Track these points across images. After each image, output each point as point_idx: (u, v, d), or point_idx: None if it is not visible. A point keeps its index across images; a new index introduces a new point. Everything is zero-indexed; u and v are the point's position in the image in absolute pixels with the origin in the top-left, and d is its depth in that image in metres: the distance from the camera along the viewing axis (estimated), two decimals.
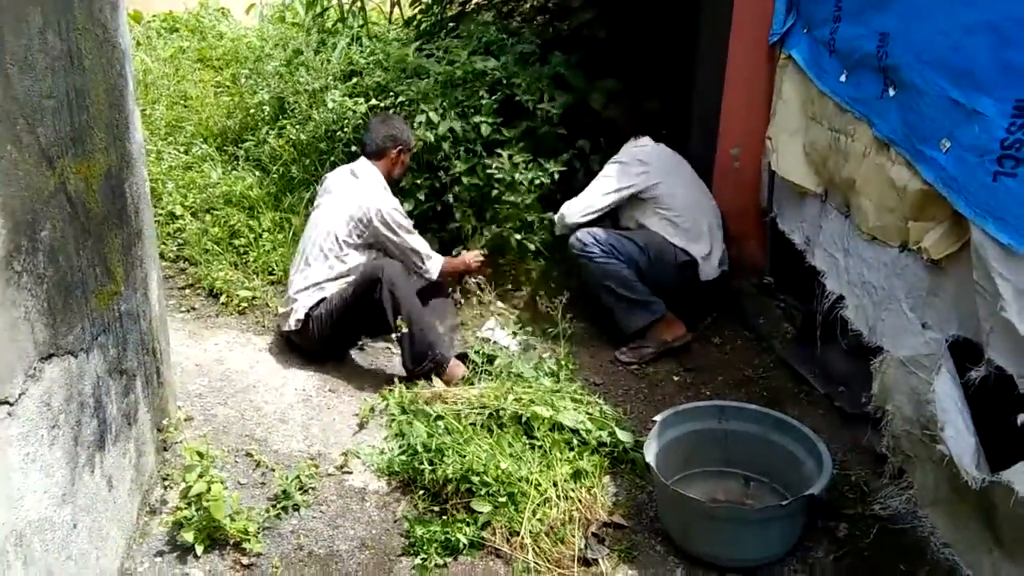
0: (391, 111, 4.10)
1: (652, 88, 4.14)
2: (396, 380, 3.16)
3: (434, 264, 3.55)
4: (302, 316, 3.29)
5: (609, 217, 3.76)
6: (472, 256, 3.74)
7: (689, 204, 3.66)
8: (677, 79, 4.18)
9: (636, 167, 3.62)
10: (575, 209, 3.63)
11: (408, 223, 3.51)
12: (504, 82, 4.13)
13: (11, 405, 1.60)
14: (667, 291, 3.61)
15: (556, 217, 3.73)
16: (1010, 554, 2.02)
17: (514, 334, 3.65)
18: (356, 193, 3.43)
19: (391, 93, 4.35)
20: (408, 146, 3.66)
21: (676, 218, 3.61)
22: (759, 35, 3.51)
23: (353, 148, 4.21)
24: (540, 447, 2.67)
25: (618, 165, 3.66)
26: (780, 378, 3.27)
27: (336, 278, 3.35)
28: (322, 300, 3.30)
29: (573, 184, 4.17)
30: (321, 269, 3.33)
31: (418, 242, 3.52)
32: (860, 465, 2.66)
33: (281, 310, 3.44)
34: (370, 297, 3.19)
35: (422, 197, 4.02)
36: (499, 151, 3.93)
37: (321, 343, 3.34)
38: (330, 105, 4.37)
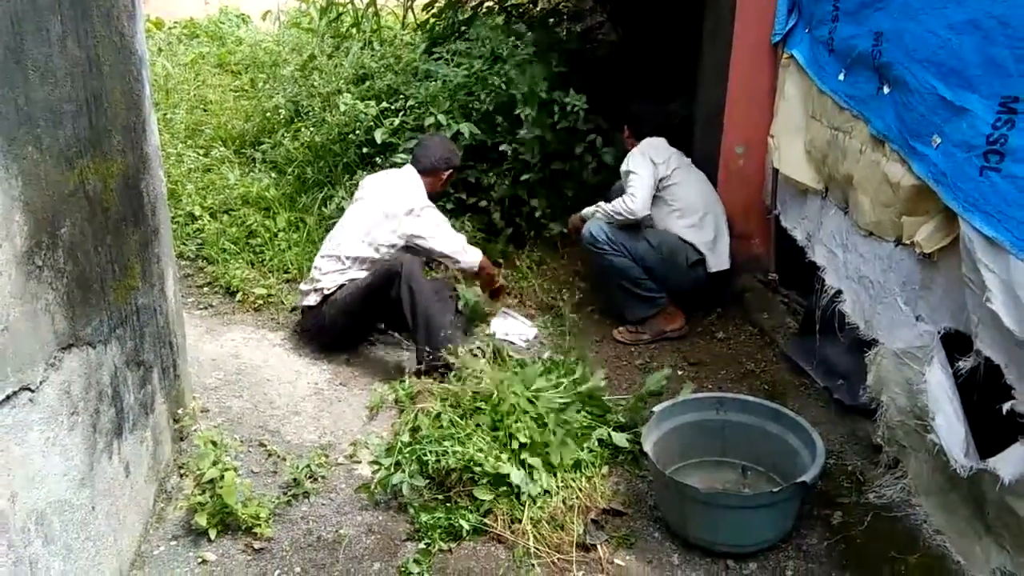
0: (400, 113, 4.19)
1: (658, 88, 4.19)
2: (406, 373, 3.24)
3: (472, 255, 3.56)
4: (323, 289, 3.38)
5: None
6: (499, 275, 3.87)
7: (697, 196, 3.76)
8: (682, 79, 4.24)
9: (658, 156, 3.70)
10: (640, 203, 3.59)
11: (443, 220, 3.57)
12: (505, 87, 4.20)
13: (32, 392, 1.70)
14: (678, 290, 3.74)
15: (621, 211, 3.63)
16: (997, 540, 2.06)
17: (531, 321, 3.72)
18: (394, 193, 3.51)
19: (401, 96, 4.45)
20: (456, 168, 3.80)
21: (684, 207, 3.70)
22: (761, 35, 3.56)
23: (365, 150, 4.30)
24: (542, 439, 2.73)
25: (641, 157, 3.70)
26: (781, 372, 3.31)
27: (364, 270, 3.43)
28: (344, 284, 3.38)
29: (583, 176, 4.25)
30: (353, 258, 3.42)
31: (454, 237, 3.56)
32: (857, 455, 2.69)
33: (303, 287, 3.52)
34: (387, 292, 3.25)
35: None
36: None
37: (332, 330, 3.42)
38: (342, 108, 4.47)
